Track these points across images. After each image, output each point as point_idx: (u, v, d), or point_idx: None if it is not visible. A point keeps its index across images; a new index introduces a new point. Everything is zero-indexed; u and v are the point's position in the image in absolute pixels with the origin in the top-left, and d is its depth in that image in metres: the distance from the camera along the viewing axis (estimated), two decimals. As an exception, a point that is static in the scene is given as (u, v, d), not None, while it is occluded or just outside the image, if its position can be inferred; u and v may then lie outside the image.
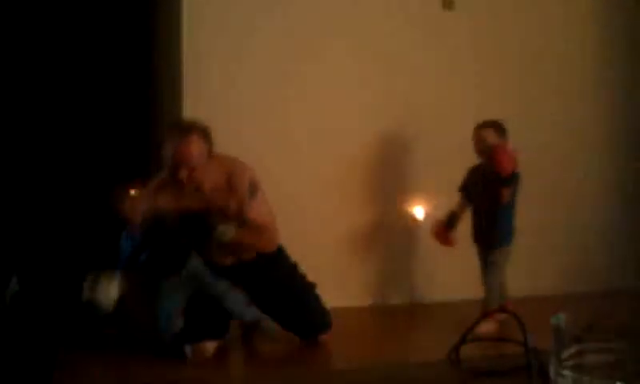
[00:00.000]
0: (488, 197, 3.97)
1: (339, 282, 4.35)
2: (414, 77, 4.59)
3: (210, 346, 3.43)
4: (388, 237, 4.56)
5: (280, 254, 3.69)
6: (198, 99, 4.13)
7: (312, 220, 4.27)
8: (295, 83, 4.35)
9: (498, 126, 4.02)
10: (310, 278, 3.75)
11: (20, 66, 6.59)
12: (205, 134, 3.42)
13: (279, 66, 4.31)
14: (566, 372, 0.77)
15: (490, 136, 3.98)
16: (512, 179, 3.87)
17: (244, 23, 4.26)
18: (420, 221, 4.38)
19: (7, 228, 4.97)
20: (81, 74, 6.92)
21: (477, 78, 4.70)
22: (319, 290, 3.76)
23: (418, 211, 4.41)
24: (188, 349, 3.42)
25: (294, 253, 3.74)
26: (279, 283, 3.64)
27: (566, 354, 0.78)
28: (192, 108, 4.09)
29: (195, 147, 3.37)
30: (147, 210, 3.45)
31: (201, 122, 3.46)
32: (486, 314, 1.08)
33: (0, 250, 3.08)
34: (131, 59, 6.79)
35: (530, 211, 4.69)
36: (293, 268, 3.72)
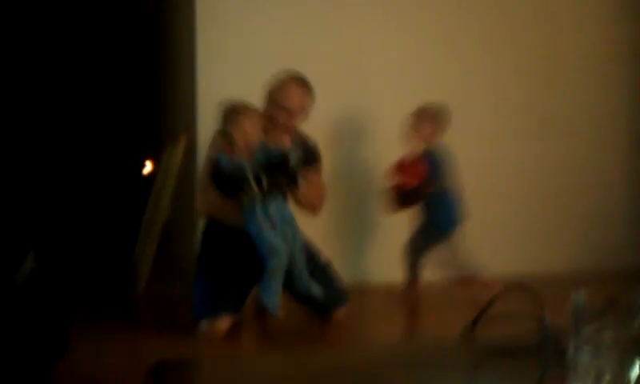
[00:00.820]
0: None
1: (355, 259, 4.36)
2: (430, 69, 4.57)
3: (225, 322, 3.45)
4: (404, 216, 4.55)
5: None
6: (211, 79, 4.13)
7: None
8: (310, 66, 4.32)
9: (436, 111, 4.01)
10: (327, 253, 3.76)
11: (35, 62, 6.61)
12: (312, 97, 3.65)
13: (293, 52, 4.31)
14: (585, 348, 0.77)
15: (425, 124, 3.99)
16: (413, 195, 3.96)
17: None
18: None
19: (24, 205, 5.00)
20: (96, 60, 6.94)
21: (491, 71, 4.67)
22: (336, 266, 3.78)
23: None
24: (203, 324, 3.44)
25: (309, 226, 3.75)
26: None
27: (585, 331, 0.77)
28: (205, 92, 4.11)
29: (306, 101, 3.62)
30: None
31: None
32: (499, 293, 1.07)
33: (17, 226, 3.10)
34: (142, 40, 6.81)
35: (549, 189, 4.69)
36: (308, 243, 3.71)
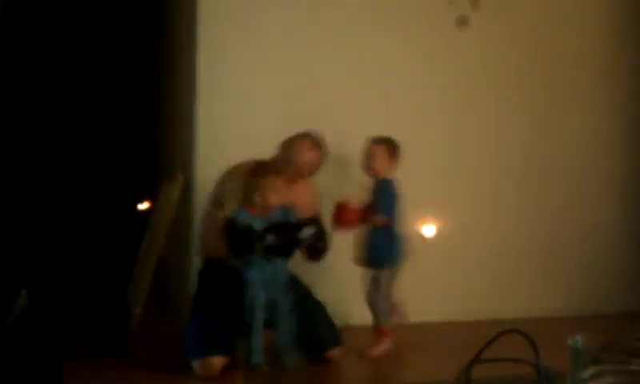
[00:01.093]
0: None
1: (349, 301, 4.34)
2: (423, 87, 4.59)
3: (218, 362, 3.42)
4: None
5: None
6: (212, 99, 4.15)
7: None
8: (306, 80, 4.35)
9: (390, 144, 3.93)
10: (321, 296, 3.76)
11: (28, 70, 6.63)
12: (324, 154, 3.83)
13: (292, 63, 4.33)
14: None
15: (379, 153, 3.91)
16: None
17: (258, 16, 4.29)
18: (428, 238, 4.35)
19: (16, 241, 4.98)
20: (92, 73, 6.97)
21: (489, 84, 4.70)
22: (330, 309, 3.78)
23: (428, 230, 4.38)
24: (195, 363, 3.42)
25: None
26: (294, 294, 3.61)
27: (583, 375, 0.77)
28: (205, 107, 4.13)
29: (319, 161, 3.79)
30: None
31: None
32: (500, 333, 1.06)
33: (9, 263, 3.09)
34: (142, 77, 6.85)
35: (542, 228, 4.69)
36: (304, 285, 3.72)
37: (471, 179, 4.68)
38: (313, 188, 3.86)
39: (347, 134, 4.22)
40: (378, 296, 3.91)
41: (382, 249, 3.90)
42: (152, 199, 4.85)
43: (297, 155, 3.72)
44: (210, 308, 3.55)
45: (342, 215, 3.79)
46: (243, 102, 3.84)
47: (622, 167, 5.00)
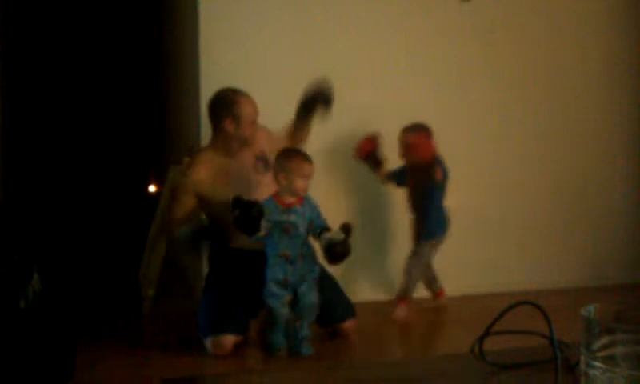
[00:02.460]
0: (413, 196, 4.16)
1: (363, 276, 4.36)
2: (427, 72, 4.58)
3: (230, 340, 3.45)
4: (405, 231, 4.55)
5: None
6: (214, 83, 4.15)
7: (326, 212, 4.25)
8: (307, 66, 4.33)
9: (423, 129, 4.09)
10: (334, 270, 3.77)
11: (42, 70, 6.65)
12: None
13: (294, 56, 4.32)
14: (597, 363, 0.76)
15: (418, 141, 4.08)
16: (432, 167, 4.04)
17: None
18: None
19: (29, 226, 5.01)
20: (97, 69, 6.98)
21: (492, 73, 4.68)
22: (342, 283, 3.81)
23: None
24: (208, 342, 3.45)
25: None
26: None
27: (595, 345, 0.77)
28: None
29: (254, 106, 3.62)
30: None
31: None
32: (511, 306, 1.07)
33: (22, 248, 3.11)
34: (147, 61, 6.84)
35: (559, 203, 4.69)
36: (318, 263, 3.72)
37: (484, 157, 4.67)
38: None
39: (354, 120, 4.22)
40: (416, 267, 4.11)
41: (425, 224, 4.11)
42: (160, 183, 4.85)
43: (231, 109, 3.63)
44: (221, 288, 3.57)
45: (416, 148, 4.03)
46: (246, 86, 3.82)
47: (631, 142, 4.98)
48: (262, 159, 3.65)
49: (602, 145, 4.91)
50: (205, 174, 3.55)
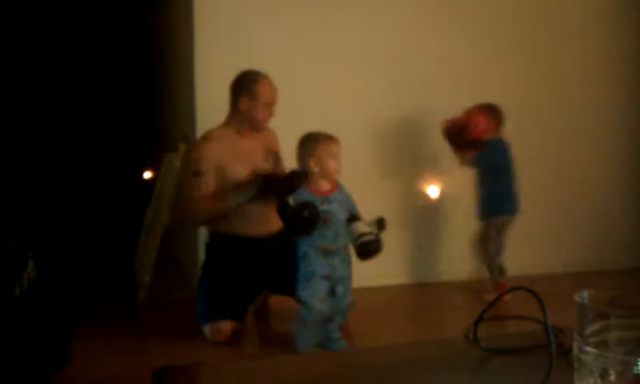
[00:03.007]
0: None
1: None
2: (433, 57, 4.57)
3: (229, 326, 3.45)
4: (408, 216, 4.56)
5: None
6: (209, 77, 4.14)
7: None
8: (307, 60, 4.33)
9: (484, 107, 4.11)
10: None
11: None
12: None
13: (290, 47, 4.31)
14: (590, 348, 0.77)
15: (480, 119, 4.08)
16: (477, 144, 4.04)
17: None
18: (434, 199, 4.38)
19: (24, 213, 5.00)
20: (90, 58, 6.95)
21: (493, 59, 4.68)
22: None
23: (432, 190, 4.41)
24: (206, 329, 3.45)
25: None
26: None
27: (589, 330, 0.77)
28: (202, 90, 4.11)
29: (273, 90, 3.58)
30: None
31: None
32: (503, 293, 1.07)
33: (17, 236, 3.11)
34: (143, 50, 6.82)
35: (555, 191, 4.69)
36: None
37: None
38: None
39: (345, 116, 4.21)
40: (486, 249, 4.16)
41: (488, 201, 4.15)
42: (156, 170, 4.85)
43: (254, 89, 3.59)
44: (219, 275, 3.57)
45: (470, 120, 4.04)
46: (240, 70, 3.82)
47: (623, 131, 5.00)
48: (272, 153, 3.64)
49: (597, 138, 4.92)
50: (219, 149, 3.50)
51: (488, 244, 4.14)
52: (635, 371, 0.73)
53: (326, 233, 3.07)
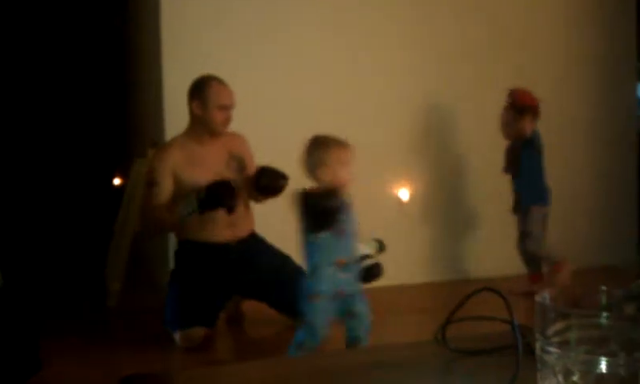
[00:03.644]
0: (508, 165, 4.34)
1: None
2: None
3: (198, 333, 3.44)
4: (373, 218, 4.57)
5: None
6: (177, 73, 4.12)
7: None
8: (273, 65, 4.33)
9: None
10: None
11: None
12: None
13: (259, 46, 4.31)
14: (552, 348, 0.78)
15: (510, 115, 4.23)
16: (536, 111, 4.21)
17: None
18: (404, 202, 4.40)
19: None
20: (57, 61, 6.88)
21: (456, 51, 4.71)
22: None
23: (403, 193, 4.43)
24: (177, 335, 3.44)
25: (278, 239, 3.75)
26: (272, 261, 3.66)
27: (551, 330, 0.78)
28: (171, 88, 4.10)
29: (226, 93, 3.54)
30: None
31: None
32: (473, 293, 1.07)
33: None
34: (111, 52, 6.77)
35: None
36: (281, 252, 3.73)
37: (448, 146, 4.71)
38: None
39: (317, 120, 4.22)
40: (526, 242, 4.27)
41: (524, 195, 4.28)
42: (126, 175, 4.82)
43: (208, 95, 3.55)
44: (188, 282, 3.56)
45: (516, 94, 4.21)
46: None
47: (584, 135, 5.06)
48: (236, 159, 3.61)
49: (564, 142, 4.96)
50: (176, 157, 3.48)
51: (530, 237, 4.26)
52: (597, 370, 0.74)
53: (339, 244, 2.77)
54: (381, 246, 2.92)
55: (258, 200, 3.62)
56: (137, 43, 5.53)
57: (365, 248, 2.86)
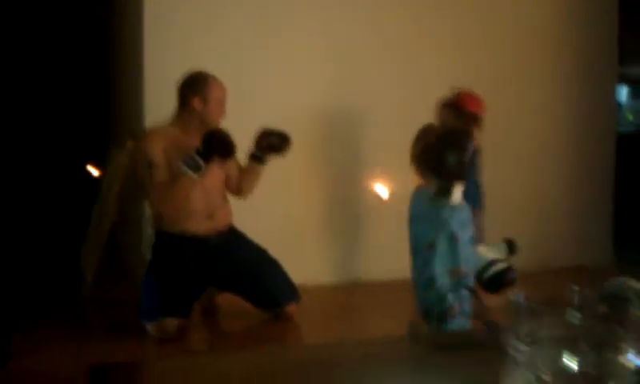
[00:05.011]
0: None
1: (301, 260, 4.37)
2: (376, 52, 4.60)
3: (172, 324, 3.44)
4: (350, 215, 4.58)
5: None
6: (158, 69, 4.11)
7: (271, 198, 4.24)
8: (253, 59, 4.32)
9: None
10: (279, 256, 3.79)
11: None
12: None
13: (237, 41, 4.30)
14: (522, 346, 0.79)
15: (449, 115, 3.99)
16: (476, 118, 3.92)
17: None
18: (383, 198, 4.39)
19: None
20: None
21: (438, 49, 4.72)
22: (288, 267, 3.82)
23: (380, 189, 4.42)
24: (151, 326, 3.43)
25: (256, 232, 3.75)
26: (249, 254, 3.67)
27: (523, 328, 0.79)
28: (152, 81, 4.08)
29: (224, 91, 3.62)
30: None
31: None
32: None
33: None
34: (91, 44, 6.72)
35: (495, 189, 4.75)
36: (257, 244, 3.75)
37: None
38: None
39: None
40: None
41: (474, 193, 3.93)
42: (102, 166, 4.79)
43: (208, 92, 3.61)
44: (164, 273, 3.55)
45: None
46: (190, 69, 3.80)
47: (561, 134, 5.10)
48: None
49: (545, 136, 4.99)
50: (166, 143, 3.49)
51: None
52: (566, 369, 0.75)
53: (456, 250, 2.43)
54: (511, 248, 2.48)
55: (259, 163, 3.68)
56: (120, 34, 5.49)
57: (491, 252, 2.44)
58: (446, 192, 2.45)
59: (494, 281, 2.27)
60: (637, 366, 0.71)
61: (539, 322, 0.78)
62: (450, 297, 2.21)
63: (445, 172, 2.47)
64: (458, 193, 2.47)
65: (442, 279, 2.34)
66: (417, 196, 2.58)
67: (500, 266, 2.33)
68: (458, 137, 2.58)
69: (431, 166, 2.54)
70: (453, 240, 2.42)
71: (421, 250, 2.47)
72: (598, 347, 0.74)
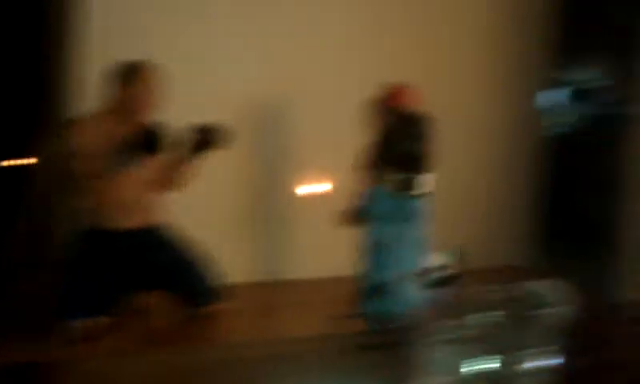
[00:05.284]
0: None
1: (225, 258, 4.36)
2: (305, 43, 4.62)
3: (98, 323, 3.39)
4: (275, 212, 4.58)
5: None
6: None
7: (194, 194, 4.20)
8: (181, 46, 4.29)
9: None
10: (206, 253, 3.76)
11: None
12: None
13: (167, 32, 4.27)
14: (444, 345, 0.80)
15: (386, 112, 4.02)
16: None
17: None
18: (306, 196, 4.41)
19: None
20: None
21: (373, 45, 4.77)
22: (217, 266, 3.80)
23: (309, 186, 4.44)
24: (74, 325, 3.36)
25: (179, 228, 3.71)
26: (174, 253, 3.65)
27: (447, 327, 0.80)
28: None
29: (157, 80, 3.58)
30: None
31: None
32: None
33: None
34: (28, 27, 6.52)
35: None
36: (182, 240, 3.72)
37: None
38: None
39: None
40: None
41: None
42: (36, 154, 4.68)
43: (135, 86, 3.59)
44: (88, 270, 3.49)
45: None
46: (132, 54, 3.75)
47: (490, 134, 5.21)
48: (153, 136, 3.60)
49: (474, 137, 5.09)
50: (88, 136, 3.44)
51: None
52: (474, 369, 0.76)
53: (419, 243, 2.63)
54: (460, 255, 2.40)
55: (192, 158, 3.62)
56: (58, 19, 5.38)
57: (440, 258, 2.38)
58: (408, 184, 2.47)
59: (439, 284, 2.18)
60: (539, 366, 0.73)
61: (461, 321, 0.79)
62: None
63: (405, 163, 2.53)
64: (421, 183, 2.50)
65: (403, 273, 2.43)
66: (375, 194, 2.60)
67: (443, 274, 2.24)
68: (417, 126, 2.61)
69: (390, 159, 2.57)
70: (418, 231, 2.52)
71: (385, 246, 2.53)
72: (506, 348, 0.75)
